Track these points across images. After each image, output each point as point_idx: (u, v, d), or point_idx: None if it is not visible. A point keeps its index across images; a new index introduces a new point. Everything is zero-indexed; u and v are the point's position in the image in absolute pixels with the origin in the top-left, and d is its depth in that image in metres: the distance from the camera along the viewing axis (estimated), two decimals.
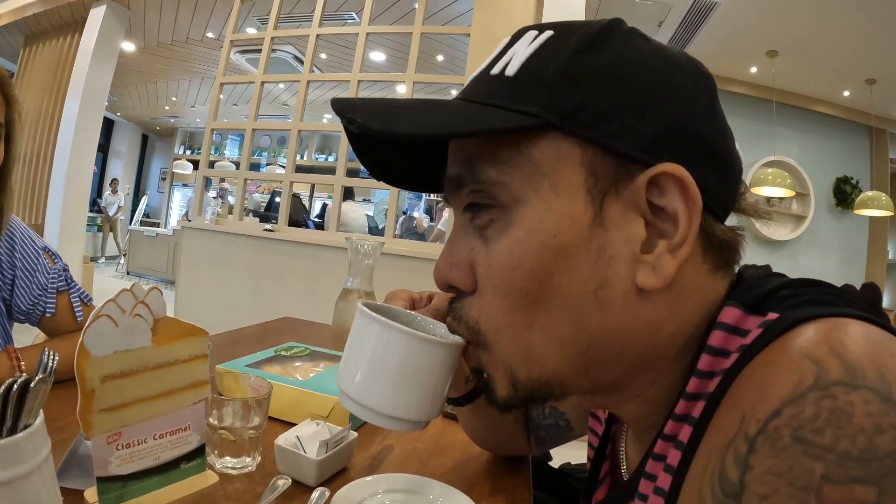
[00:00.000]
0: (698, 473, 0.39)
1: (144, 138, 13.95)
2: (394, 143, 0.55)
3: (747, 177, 5.68)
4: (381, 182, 0.61)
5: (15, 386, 0.45)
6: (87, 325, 0.55)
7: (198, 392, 0.64)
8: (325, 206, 8.59)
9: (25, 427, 0.46)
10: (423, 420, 0.55)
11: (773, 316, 0.43)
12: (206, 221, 4.23)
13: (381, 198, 10.27)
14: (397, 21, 5.14)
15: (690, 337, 0.49)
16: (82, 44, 5.38)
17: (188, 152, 13.21)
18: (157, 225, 12.18)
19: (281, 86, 8.26)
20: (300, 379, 1.02)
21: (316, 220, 7.81)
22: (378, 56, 6.65)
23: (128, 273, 9.66)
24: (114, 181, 11.40)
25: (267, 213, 6.78)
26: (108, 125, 12.31)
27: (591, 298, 0.46)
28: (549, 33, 0.48)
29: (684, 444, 0.45)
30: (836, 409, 0.33)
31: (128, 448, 0.58)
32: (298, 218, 6.05)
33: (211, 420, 0.75)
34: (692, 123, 0.47)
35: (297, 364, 1.12)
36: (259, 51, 4.30)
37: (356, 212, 6.07)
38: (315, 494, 0.70)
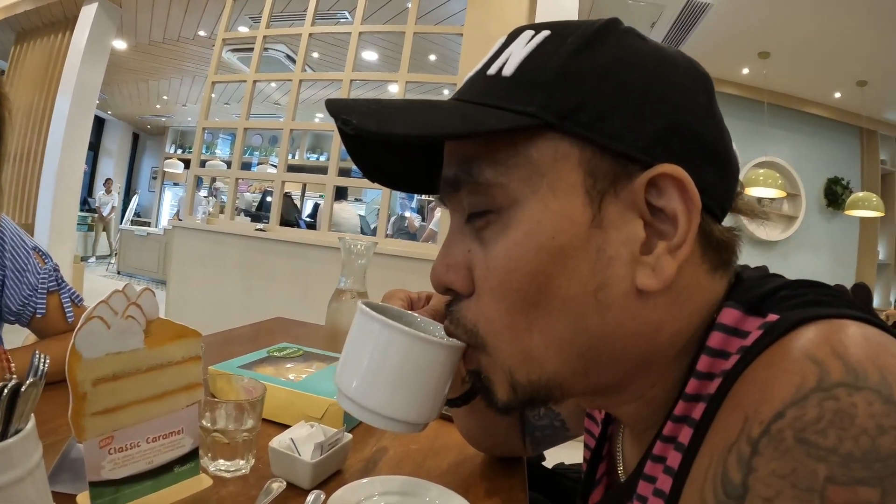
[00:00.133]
0: (700, 475, 0.39)
1: (135, 137, 13.87)
2: (388, 144, 0.55)
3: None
4: (375, 183, 0.61)
5: (5, 390, 0.44)
6: (78, 327, 0.54)
7: (191, 394, 0.64)
8: (316, 205, 8.57)
9: (16, 432, 0.45)
10: (421, 422, 0.54)
11: (773, 317, 0.43)
12: (197, 221, 4.21)
13: (373, 197, 10.25)
14: (390, 20, 5.13)
15: (690, 338, 0.49)
16: (73, 41, 5.33)
17: (179, 151, 13.13)
18: (148, 224, 12.12)
19: (273, 85, 8.22)
20: (293, 380, 1.02)
21: (307, 219, 7.80)
22: (370, 55, 6.64)
23: (118, 273, 9.60)
24: (108, 181, 11.35)
25: (258, 213, 6.76)
26: (98, 124, 12.23)
27: (591, 300, 0.45)
28: (546, 33, 0.48)
29: (685, 445, 0.44)
30: (839, 411, 0.33)
31: (120, 452, 0.58)
32: (290, 217, 6.04)
33: (204, 422, 0.74)
34: (690, 123, 0.47)
35: (290, 365, 1.12)
36: (251, 49, 4.28)
37: (348, 211, 6.06)
38: (310, 497, 0.70)
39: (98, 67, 5.46)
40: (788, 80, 5.98)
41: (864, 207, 5.50)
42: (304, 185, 9.50)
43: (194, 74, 8.59)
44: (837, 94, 6.29)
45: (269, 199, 6.65)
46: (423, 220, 7.52)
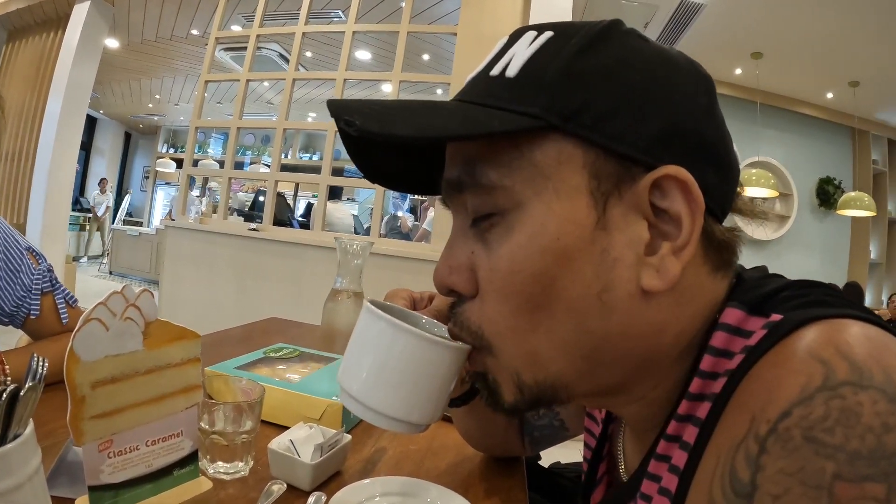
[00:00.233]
0: (707, 474, 0.40)
1: (127, 136, 13.79)
2: (390, 145, 0.55)
3: None
4: (376, 184, 0.61)
5: (4, 395, 0.43)
6: (76, 329, 0.53)
7: (190, 396, 0.63)
8: (309, 205, 8.54)
9: (15, 437, 0.44)
10: (424, 423, 0.54)
11: (776, 317, 0.43)
12: (190, 221, 4.19)
13: (366, 197, 10.24)
14: (384, 19, 5.12)
15: (692, 338, 0.49)
16: (66, 40, 5.29)
17: (171, 151, 13.06)
18: (140, 224, 12.06)
19: (265, 84, 8.20)
20: (290, 381, 1.01)
21: (300, 219, 7.78)
22: (363, 55, 6.63)
23: (110, 273, 9.55)
24: (103, 181, 11.31)
25: (251, 213, 6.74)
26: (90, 123, 12.17)
27: (595, 301, 0.45)
28: (549, 34, 0.48)
29: (690, 444, 0.45)
30: (845, 409, 0.33)
31: (120, 455, 0.57)
32: (283, 217, 6.02)
33: (202, 424, 0.73)
34: (692, 124, 0.47)
35: (286, 366, 1.11)
36: (244, 48, 4.26)
37: (342, 211, 6.06)
38: (311, 499, 0.69)
39: (90, 66, 5.42)
40: (781, 80, 6.01)
41: (856, 207, 5.54)
42: (297, 185, 9.47)
43: (187, 73, 8.56)
44: (830, 95, 6.33)
45: (261, 198, 6.64)
46: (417, 219, 7.52)
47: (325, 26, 4.81)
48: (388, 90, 7.36)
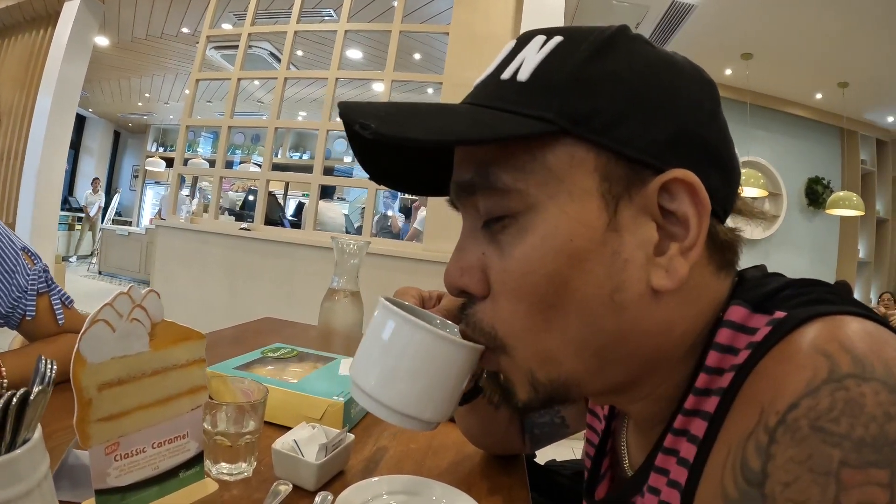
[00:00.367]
0: (718, 465, 0.41)
1: (116, 135, 13.69)
2: (400, 148, 0.55)
3: None
4: (381, 185, 0.61)
5: (14, 399, 0.42)
6: (82, 331, 0.53)
7: (195, 398, 0.63)
8: (300, 204, 8.50)
9: (24, 442, 0.43)
10: (436, 421, 0.54)
11: (780, 314, 0.44)
12: (181, 220, 4.16)
13: (357, 196, 10.22)
14: (375, 18, 5.11)
15: (698, 336, 0.50)
16: (55, 38, 5.23)
17: (161, 150, 12.97)
18: (129, 223, 11.99)
19: (256, 83, 8.17)
20: (290, 381, 1.01)
21: (291, 218, 7.75)
22: (355, 54, 6.62)
23: (100, 273, 9.48)
24: (95, 180, 11.26)
25: (242, 212, 6.71)
26: (79, 121, 12.05)
27: (607, 301, 0.46)
28: (558, 39, 0.48)
29: (699, 438, 0.46)
30: (849, 400, 0.35)
31: (126, 458, 0.56)
32: (274, 216, 5.99)
33: (205, 425, 0.73)
34: (698, 128, 0.48)
35: (285, 366, 1.11)
36: (235, 47, 4.25)
37: (334, 210, 6.02)
38: (318, 499, 0.70)
39: (80, 64, 5.37)
40: (770, 81, 6.06)
41: (845, 206, 5.59)
42: (287, 184, 9.43)
43: (177, 72, 8.52)
44: (819, 95, 6.38)
45: (251, 198, 6.61)
46: (407, 219, 7.51)
47: (317, 25, 4.80)
48: (379, 89, 7.34)
